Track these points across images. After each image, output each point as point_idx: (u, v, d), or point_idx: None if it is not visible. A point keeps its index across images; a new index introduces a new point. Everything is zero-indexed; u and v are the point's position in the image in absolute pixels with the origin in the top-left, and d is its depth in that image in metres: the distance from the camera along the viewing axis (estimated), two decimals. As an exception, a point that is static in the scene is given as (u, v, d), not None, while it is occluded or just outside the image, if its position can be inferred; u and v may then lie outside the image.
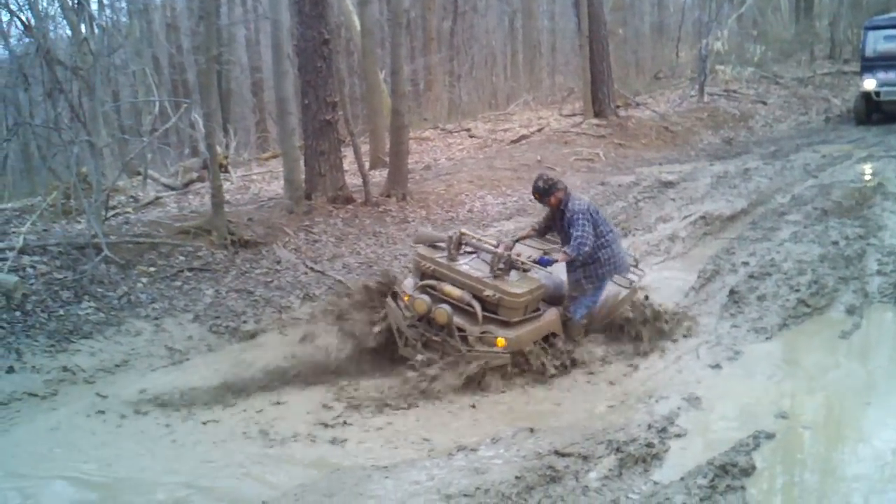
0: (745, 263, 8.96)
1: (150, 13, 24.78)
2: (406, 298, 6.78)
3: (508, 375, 6.46)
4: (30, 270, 7.94)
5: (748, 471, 4.75)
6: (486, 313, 6.40)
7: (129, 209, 11.50)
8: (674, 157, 17.94)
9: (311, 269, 9.49)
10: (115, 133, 13.33)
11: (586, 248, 6.68)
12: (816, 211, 10.75)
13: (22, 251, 8.16)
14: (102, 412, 5.99)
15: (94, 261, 8.17)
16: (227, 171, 15.03)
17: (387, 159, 14.30)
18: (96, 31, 11.11)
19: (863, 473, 4.88)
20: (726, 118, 21.66)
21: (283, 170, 12.08)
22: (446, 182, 14.24)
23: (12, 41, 11.49)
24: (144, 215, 10.92)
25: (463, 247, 7.00)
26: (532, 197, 7.27)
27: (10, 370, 6.42)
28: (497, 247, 6.80)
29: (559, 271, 7.03)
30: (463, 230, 7.12)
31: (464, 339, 6.38)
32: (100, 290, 7.94)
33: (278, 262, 9.50)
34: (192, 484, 5.03)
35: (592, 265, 6.91)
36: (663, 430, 5.31)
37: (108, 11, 21.70)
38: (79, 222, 9.81)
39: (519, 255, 6.79)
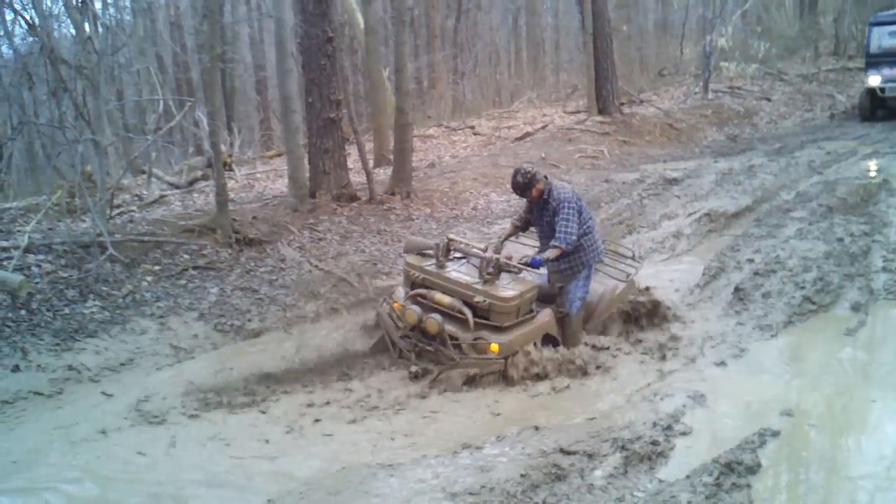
0: (750, 260, 8.95)
1: (153, 12, 24.77)
2: (398, 308, 6.77)
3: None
4: (35, 269, 7.95)
5: (754, 468, 4.75)
6: (478, 319, 6.37)
7: (134, 208, 11.50)
8: (678, 154, 17.92)
9: (316, 267, 9.49)
10: (119, 132, 13.36)
11: (573, 237, 6.60)
12: (821, 208, 10.73)
13: (27, 250, 8.18)
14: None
15: (99, 259, 8.18)
16: (231, 170, 15.03)
17: (391, 157, 14.30)
18: (100, 29, 11.12)
19: (868, 471, 4.87)
20: (731, 115, 21.62)
21: (287, 168, 12.09)
22: (450, 180, 14.23)
23: (17, 40, 11.53)
24: (149, 214, 10.93)
25: (452, 253, 6.97)
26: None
27: (16, 369, 6.43)
28: (485, 250, 6.75)
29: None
30: (450, 236, 7.09)
31: (457, 346, 6.35)
32: (105, 288, 7.95)
33: (283, 261, 9.51)
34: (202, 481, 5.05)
35: (577, 253, 6.81)
36: (668, 427, 5.30)
37: (111, 10, 21.78)
38: (83, 221, 9.82)
39: (510, 257, 6.73)
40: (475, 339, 6.33)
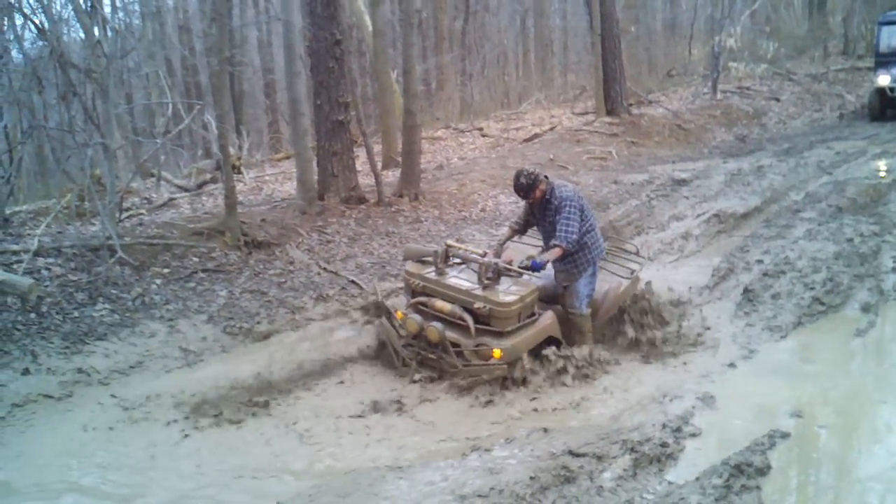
0: (760, 261, 8.93)
1: (162, 15, 24.89)
2: (399, 317, 6.76)
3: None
4: (44, 272, 7.98)
5: (763, 470, 4.73)
6: (479, 325, 6.34)
7: (143, 211, 11.53)
8: (687, 155, 17.90)
9: (324, 269, 9.50)
10: (128, 135, 13.39)
11: (574, 237, 6.56)
12: (831, 208, 10.70)
13: (37, 253, 8.21)
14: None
15: (109, 262, 8.20)
16: (240, 173, 15.07)
17: (399, 159, 14.30)
18: (109, 33, 11.14)
19: (879, 472, 4.85)
20: (739, 115, 21.59)
21: (295, 170, 12.09)
22: (459, 181, 14.23)
23: (26, 44, 11.54)
24: (158, 217, 10.95)
25: (451, 259, 6.95)
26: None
27: (26, 372, 6.45)
28: (484, 255, 6.72)
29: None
30: (448, 242, 7.08)
31: (459, 353, 6.34)
32: (114, 291, 7.97)
33: (291, 263, 9.52)
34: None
35: (581, 252, 6.77)
36: (678, 429, 5.29)
37: (121, 14, 21.83)
38: (93, 224, 9.84)
39: (510, 261, 6.70)
40: (477, 346, 6.31)
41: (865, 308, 7.44)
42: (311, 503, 4.68)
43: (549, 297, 6.97)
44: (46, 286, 7.70)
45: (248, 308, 8.31)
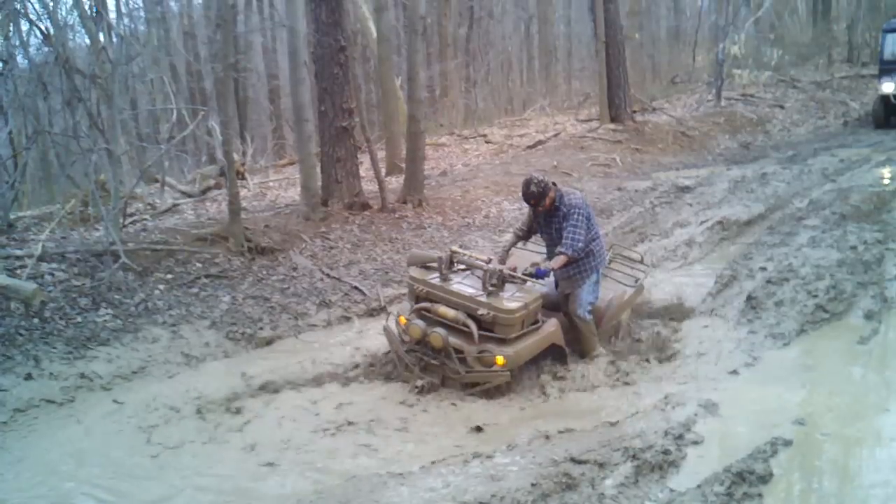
0: (763, 269, 8.90)
1: (167, 22, 24.96)
2: (403, 322, 6.76)
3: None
4: (48, 278, 7.99)
5: (766, 478, 4.71)
6: (482, 332, 6.32)
7: (147, 216, 11.56)
8: (691, 162, 17.89)
9: (328, 275, 9.51)
10: (133, 141, 13.42)
11: (581, 245, 6.53)
12: (835, 215, 10.67)
13: (40, 258, 8.22)
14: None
15: (112, 268, 8.22)
16: (244, 178, 15.09)
17: (403, 165, 14.31)
18: (115, 39, 11.18)
19: (881, 480, 4.83)
20: (743, 122, 21.58)
21: (299, 176, 12.13)
22: (462, 188, 14.24)
23: (32, 50, 11.59)
24: (162, 222, 10.98)
25: (455, 265, 6.94)
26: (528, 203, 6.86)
27: (29, 377, 6.46)
28: (489, 262, 6.72)
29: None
30: (453, 248, 7.06)
31: (462, 360, 6.33)
32: (117, 297, 7.99)
33: (295, 269, 9.53)
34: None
35: (586, 258, 6.76)
36: (680, 436, 5.28)
37: (126, 20, 21.85)
38: (97, 230, 9.87)
39: (514, 268, 6.69)
40: (480, 352, 6.29)
41: (869, 316, 7.41)
42: (312, 509, 4.69)
43: (553, 305, 6.96)
44: (50, 291, 7.71)
45: (251, 314, 8.31)
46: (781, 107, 23.09)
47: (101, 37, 10.14)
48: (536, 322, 6.56)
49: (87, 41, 11.05)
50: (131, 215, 11.09)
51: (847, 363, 6.65)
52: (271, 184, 15.86)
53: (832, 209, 11.06)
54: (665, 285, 9.00)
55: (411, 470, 5.13)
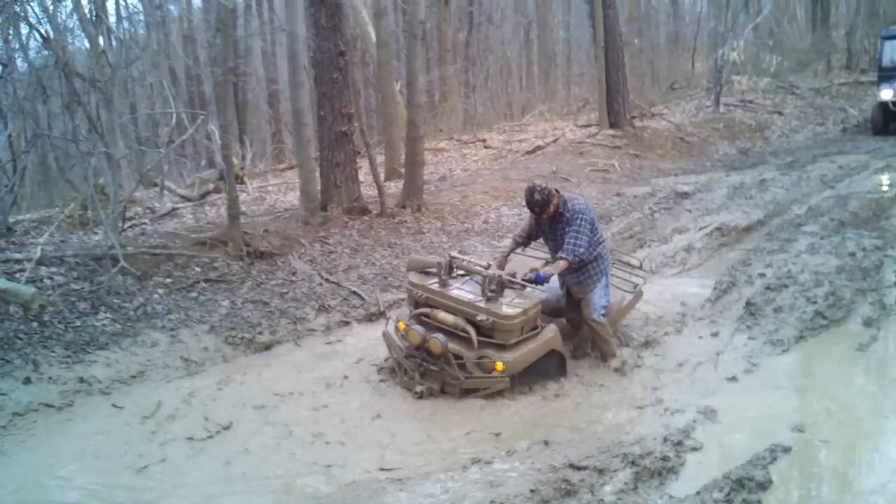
0: (762, 275, 8.92)
1: (167, 25, 24.94)
2: (402, 328, 6.76)
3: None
4: (47, 281, 7.99)
5: (765, 485, 4.72)
6: (481, 337, 6.32)
7: (146, 220, 11.56)
8: (689, 168, 17.92)
9: (327, 280, 9.50)
10: (132, 144, 13.42)
11: (582, 251, 6.52)
12: (833, 222, 10.69)
13: (39, 262, 8.22)
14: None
15: (111, 272, 8.21)
16: (243, 183, 15.11)
17: (402, 170, 14.33)
18: (114, 43, 11.20)
19: (880, 487, 4.82)
20: (742, 129, 21.61)
21: (298, 181, 12.12)
22: (461, 193, 14.25)
23: (31, 54, 11.60)
24: (161, 226, 10.98)
25: (454, 271, 6.94)
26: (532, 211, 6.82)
27: (27, 381, 6.45)
28: (488, 267, 6.71)
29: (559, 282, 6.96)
30: (452, 253, 7.06)
31: (461, 366, 6.32)
32: (116, 301, 7.98)
33: (294, 274, 9.52)
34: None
35: (595, 262, 6.77)
36: (679, 443, 5.28)
37: (125, 24, 21.86)
38: (96, 233, 9.87)
39: (514, 273, 6.69)
40: (479, 358, 6.29)
41: (868, 322, 7.42)
42: (311, 515, 4.68)
43: (552, 311, 6.96)
44: (49, 295, 7.70)
45: (250, 318, 8.31)
46: (780, 113, 23.13)
47: (101, 40, 10.16)
48: (536, 328, 6.55)
49: (87, 45, 11.09)
50: (130, 219, 11.09)
51: (846, 370, 6.66)
52: (270, 188, 15.86)
53: (831, 216, 11.08)
54: (664, 291, 9.01)
55: (410, 476, 5.13)
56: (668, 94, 26.74)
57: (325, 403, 6.53)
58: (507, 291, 6.55)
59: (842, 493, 4.92)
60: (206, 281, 8.89)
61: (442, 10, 24.18)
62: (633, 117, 21.13)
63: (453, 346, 6.32)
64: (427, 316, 6.59)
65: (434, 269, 6.91)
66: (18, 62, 11.17)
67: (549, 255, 7.32)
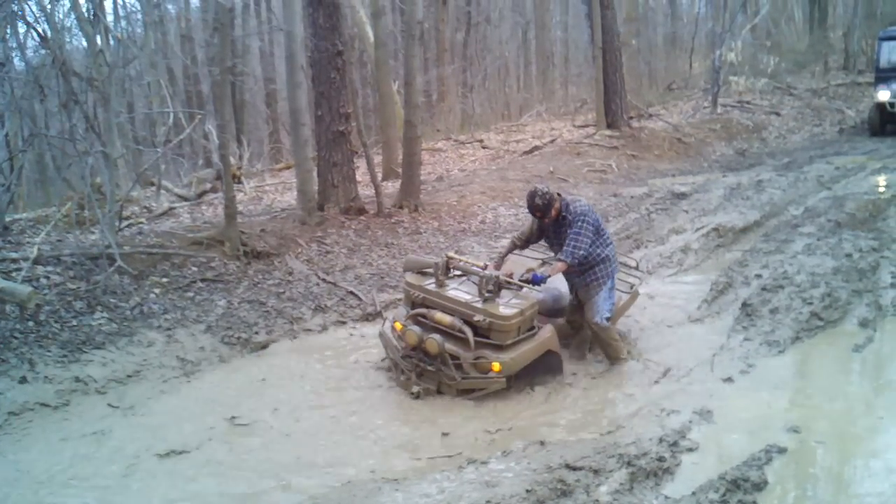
0: (758, 276, 8.92)
1: (165, 25, 24.94)
2: (398, 328, 6.76)
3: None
4: (43, 281, 7.98)
5: (760, 485, 4.71)
6: (478, 338, 6.32)
7: (143, 220, 11.56)
8: (687, 169, 17.92)
9: (324, 280, 9.50)
10: (129, 144, 13.40)
11: (582, 253, 6.52)
12: (830, 223, 10.69)
13: (36, 261, 8.21)
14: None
15: (108, 271, 8.20)
16: (240, 182, 15.11)
17: (399, 170, 14.33)
18: (112, 42, 11.19)
19: (876, 488, 4.83)
20: (739, 129, 21.62)
21: (296, 181, 12.12)
22: (459, 193, 14.25)
23: (29, 52, 11.60)
24: (158, 226, 10.97)
25: (451, 271, 6.94)
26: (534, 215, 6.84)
27: (23, 380, 6.44)
28: (485, 268, 6.71)
29: (559, 283, 6.95)
30: (449, 254, 7.07)
31: (458, 366, 6.33)
32: (113, 300, 7.97)
33: (290, 274, 9.52)
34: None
35: (601, 265, 6.77)
36: (675, 443, 5.28)
37: (123, 23, 21.88)
38: (92, 233, 9.86)
39: (511, 274, 6.70)
40: (476, 359, 6.29)
41: (864, 323, 7.42)
42: (306, 515, 4.68)
43: (548, 311, 6.96)
44: (45, 294, 7.69)
45: (247, 318, 8.30)
46: (777, 114, 23.14)
47: (99, 40, 10.13)
48: (532, 328, 6.56)
49: (85, 44, 11.06)
50: (127, 218, 11.08)
51: (842, 371, 6.66)
52: (267, 188, 15.86)
53: (827, 217, 11.07)
54: (660, 292, 9.02)
55: (406, 476, 5.14)
56: (665, 95, 26.75)
57: (321, 404, 6.54)
58: (503, 292, 6.55)
59: (837, 494, 4.92)
60: (203, 280, 8.89)
61: (440, 10, 24.18)
62: (631, 118, 21.14)
63: (450, 346, 6.33)
64: (424, 316, 6.60)
65: (431, 270, 6.92)
66: (16, 61, 11.14)
67: (545, 257, 7.35)
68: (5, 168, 10.32)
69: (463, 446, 5.67)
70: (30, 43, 11.84)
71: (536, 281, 6.49)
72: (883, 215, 10.96)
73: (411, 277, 7.02)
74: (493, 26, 29.28)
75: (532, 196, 6.62)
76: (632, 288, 7.72)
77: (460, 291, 6.66)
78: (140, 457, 5.57)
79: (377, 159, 15.70)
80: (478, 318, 6.29)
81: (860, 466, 5.26)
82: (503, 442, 5.67)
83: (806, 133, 21.95)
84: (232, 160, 12.01)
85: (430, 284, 6.79)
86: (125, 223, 10.61)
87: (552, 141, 20.10)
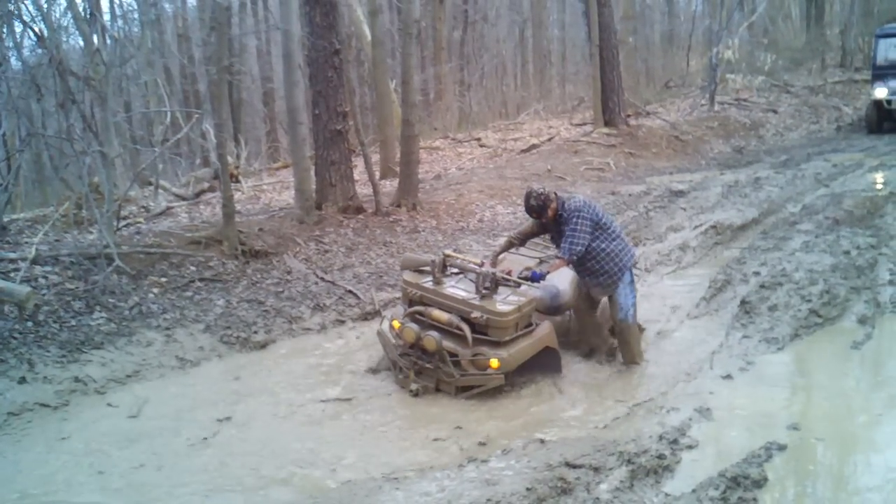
0: (757, 273, 8.92)
1: (162, 24, 24.93)
2: (396, 326, 6.76)
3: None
4: (42, 281, 7.97)
5: (760, 483, 4.72)
6: (476, 335, 6.33)
7: (141, 219, 11.54)
8: (684, 167, 17.94)
9: (322, 279, 9.49)
10: (126, 143, 13.40)
11: (579, 248, 6.49)
12: (828, 220, 10.70)
13: (34, 261, 8.19)
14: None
15: (106, 271, 8.19)
16: (237, 182, 15.09)
17: (397, 169, 14.31)
18: (108, 41, 11.19)
19: (875, 485, 4.84)
20: (737, 127, 21.63)
21: (293, 180, 12.10)
22: (456, 191, 14.25)
23: (25, 52, 11.55)
24: (156, 225, 10.96)
25: (448, 269, 6.94)
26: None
27: (23, 380, 6.43)
28: (482, 265, 6.71)
29: (561, 279, 6.94)
30: (446, 252, 7.08)
31: (456, 363, 6.33)
32: (111, 300, 7.96)
33: (289, 273, 9.52)
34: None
35: (610, 261, 6.69)
36: (675, 441, 5.28)
37: (120, 22, 21.90)
38: (90, 233, 9.84)
39: (509, 271, 6.70)
40: (474, 355, 6.30)
41: (862, 320, 7.43)
42: (307, 514, 4.68)
43: (547, 309, 6.95)
44: (44, 295, 7.68)
45: (246, 317, 8.30)
46: (775, 111, 23.16)
47: (95, 39, 10.14)
48: (530, 325, 6.57)
49: (81, 43, 11.07)
50: (125, 218, 11.07)
51: (840, 368, 6.66)
52: (265, 187, 15.84)
53: (825, 214, 11.09)
54: (659, 290, 9.02)
55: (406, 474, 5.13)
56: (662, 93, 26.76)
57: (320, 402, 6.53)
58: (501, 289, 6.56)
59: (837, 491, 4.93)
60: (202, 280, 8.88)
61: (437, 9, 24.15)
62: (628, 116, 21.14)
63: (448, 343, 6.33)
64: (421, 314, 6.60)
65: (428, 268, 6.92)
66: (12, 60, 11.12)
67: (543, 255, 7.36)
68: (3, 168, 10.30)
69: (462, 444, 5.67)
70: (26, 42, 11.79)
71: (534, 278, 6.50)
72: (881, 212, 10.98)
73: (409, 275, 7.02)
74: (491, 24, 29.28)
75: (528, 197, 6.65)
76: None
77: (458, 289, 6.67)
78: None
79: (375, 158, 15.68)
80: (475, 314, 6.30)
81: (859, 463, 5.27)
82: (503, 440, 5.67)
83: (803, 130, 21.98)
84: (229, 159, 12.00)
85: (427, 282, 6.79)
86: (123, 223, 10.59)
87: (550, 139, 20.09)
